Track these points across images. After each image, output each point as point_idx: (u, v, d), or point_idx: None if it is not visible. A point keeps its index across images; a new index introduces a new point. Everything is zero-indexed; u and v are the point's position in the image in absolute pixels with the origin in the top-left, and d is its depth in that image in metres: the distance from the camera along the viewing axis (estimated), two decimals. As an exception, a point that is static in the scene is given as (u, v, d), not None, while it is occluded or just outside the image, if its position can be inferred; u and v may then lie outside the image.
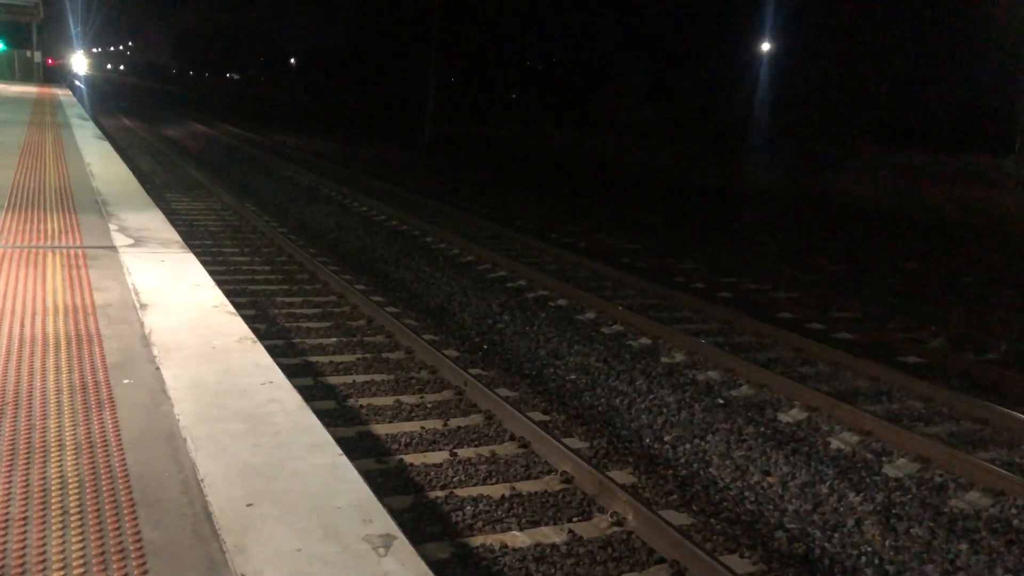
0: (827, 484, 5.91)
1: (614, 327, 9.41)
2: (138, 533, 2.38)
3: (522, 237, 14.41)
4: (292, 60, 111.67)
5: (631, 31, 61.59)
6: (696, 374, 8.03)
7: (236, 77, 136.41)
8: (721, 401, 7.40)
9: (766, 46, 47.38)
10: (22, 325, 4.17)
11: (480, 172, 27.43)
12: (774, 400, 7.41)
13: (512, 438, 6.20)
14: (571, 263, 12.63)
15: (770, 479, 6.01)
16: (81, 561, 2.25)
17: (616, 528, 4.96)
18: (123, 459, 2.84)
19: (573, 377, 7.93)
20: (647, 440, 6.61)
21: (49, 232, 6.53)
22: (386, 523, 2.50)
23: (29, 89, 33.97)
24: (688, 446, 6.49)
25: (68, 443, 2.92)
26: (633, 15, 62.27)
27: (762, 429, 6.80)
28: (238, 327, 4.34)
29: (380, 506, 2.60)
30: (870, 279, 13.16)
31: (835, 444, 6.58)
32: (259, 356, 3.92)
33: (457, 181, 23.88)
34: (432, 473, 5.56)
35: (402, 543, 2.39)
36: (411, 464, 5.64)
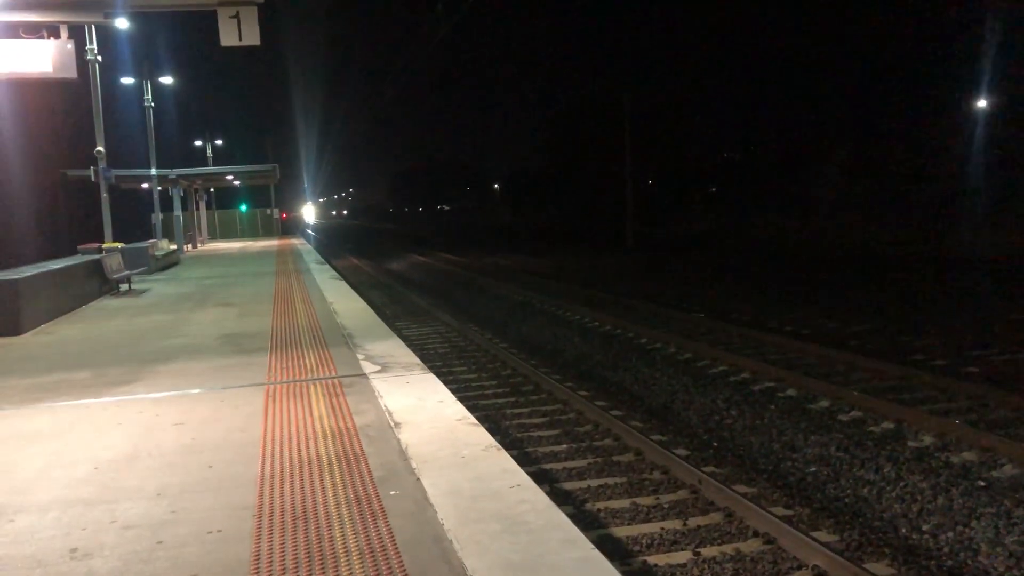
0: (1125, 570, 5.26)
1: (852, 413, 8.98)
2: (423, 626, 2.64)
3: (739, 329, 14.16)
4: (496, 186, 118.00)
5: (830, 105, 59.79)
6: (949, 456, 7.48)
7: (447, 208, 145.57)
8: (982, 484, 6.83)
9: (982, 103, 44.47)
10: (299, 449, 4.71)
11: (686, 268, 27.34)
12: (1046, 479, 6.73)
13: (756, 534, 6.05)
14: (795, 351, 12.24)
15: (1054, 566, 5.44)
16: (379, 651, 2.52)
17: (881, 624, 4.69)
18: (400, 562, 3.14)
19: (813, 469, 7.62)
20: (903, 530, 6.21)
21: (308, 367, 7.31)
22: (646, 611, 2.60)
23: (271, 243, 38.14)
24: (950, 534, 6.02)
25: (352, 550, 3.28)
26: (831, 87, 60.58)
27: (1034, 511, 6.19)
28: (482, 436, 4.67)
29: (638, 596, 2.71)
30: None
31: None
32: (504, 462, 4.20)
33: (664, 280, 23.94)
34: (677, 574, 5.52)
35: (664, 630, 2.48)
36: (655, 564, 5.64)
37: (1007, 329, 13.02)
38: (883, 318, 14.76)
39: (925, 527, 6.19)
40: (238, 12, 8.20)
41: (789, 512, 6.55)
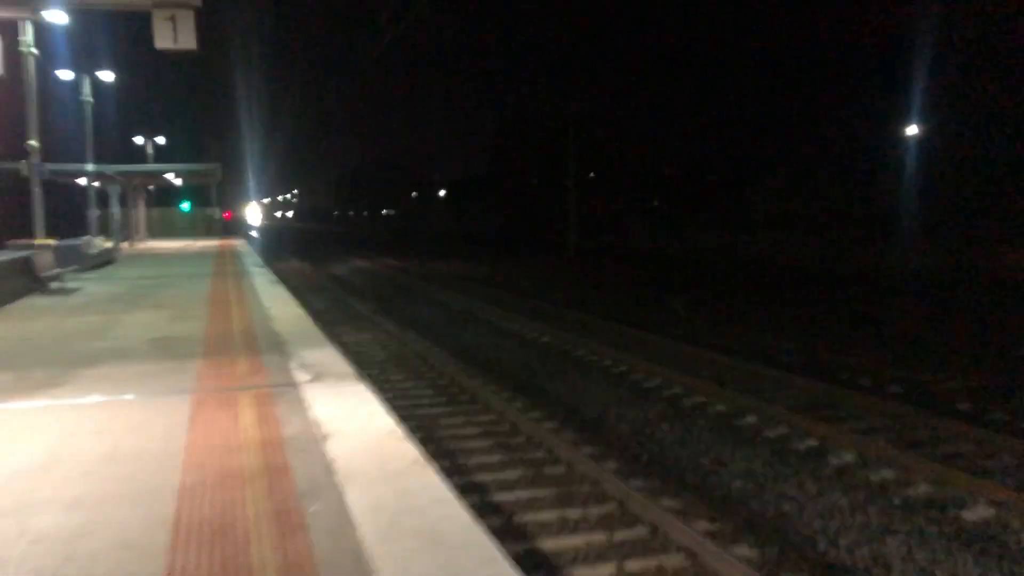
0: (1026, 587, 5.50)
1: (778, 430, 9.20)
2: (335, 646, 2.64)
3: (674, 344, 14.39)
4: (441, 192, 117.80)
5: (770, 126, 61.37)
6: (869, 475, 7.71)
7: (391, 212, 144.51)
8: (897, 502, 7.06)
9: (913, 129, 46.03)
10: (222, 461, 4.65)
11: (625, 281, 27.66)
12: (956, 498, 6.99)
13: (679, 549, 6.15)
14: (726, 366, 12.48)
15: (960, 583, 5.66)
16: (288, 672, 2.52)
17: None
18: (317, 579, 3.13)
19: (738, 484, 7.79)
20: (821, 546, 6.38)
21: (239, 374, 7.21)
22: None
23: (212, 243, 37.43)
24: (865, 550, 6.22)
25: (269, 567, 3.26)
26: (771, 109, 62.20)
27: (944, 529, 6.43)
28: (409, 451, 4.67)
29: (550, 616, 2.75)
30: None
31: (1031, 543, 6.13)
32: (429, 477, 4.21)
33: (603, 292, 24.18)
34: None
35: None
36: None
37: (930, 349, 13.46)
38: (813, 336, 15.16)
39: (842, 542, 6.37)
40: (174, 15, 8.02)
41: (713, 527, 6.68)
